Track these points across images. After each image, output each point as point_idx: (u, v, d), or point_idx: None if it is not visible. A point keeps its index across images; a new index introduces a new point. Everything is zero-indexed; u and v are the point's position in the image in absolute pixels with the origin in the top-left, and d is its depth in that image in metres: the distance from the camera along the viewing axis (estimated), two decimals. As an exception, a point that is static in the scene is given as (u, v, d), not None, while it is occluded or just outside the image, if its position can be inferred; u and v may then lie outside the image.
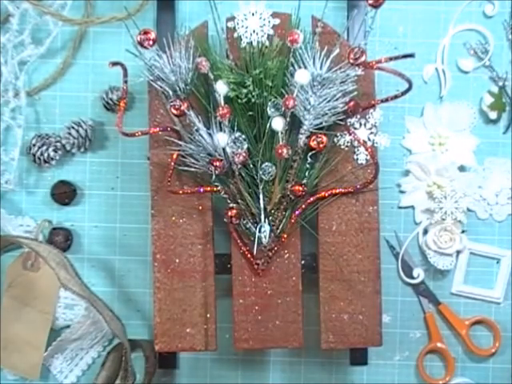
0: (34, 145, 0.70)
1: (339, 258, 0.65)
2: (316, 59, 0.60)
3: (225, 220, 0.63)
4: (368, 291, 0.65)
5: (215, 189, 0.63)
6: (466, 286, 0.73)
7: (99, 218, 0.73)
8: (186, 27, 0.65)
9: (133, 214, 0.73)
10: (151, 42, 0.60)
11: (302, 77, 0.59)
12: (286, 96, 0.60)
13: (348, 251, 0.65)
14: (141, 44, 0.60)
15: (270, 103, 0.61)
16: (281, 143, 0.61)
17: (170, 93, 0.62)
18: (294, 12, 0.63)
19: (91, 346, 0.73)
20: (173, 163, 0.63)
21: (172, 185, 0.64)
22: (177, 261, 0.65)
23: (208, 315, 0.65)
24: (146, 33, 0.60)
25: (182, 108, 0.60)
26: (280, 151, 0.60)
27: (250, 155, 0.62)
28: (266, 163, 0.62)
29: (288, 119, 0.61)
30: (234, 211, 0.62)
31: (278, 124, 0.60)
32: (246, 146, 0.61)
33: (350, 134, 0.64)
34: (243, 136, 0.62)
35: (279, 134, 0.61)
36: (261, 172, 0.62)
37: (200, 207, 0.65)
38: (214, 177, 0.61)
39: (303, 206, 0.64)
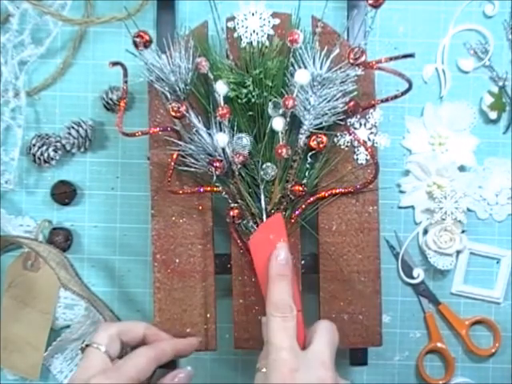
0: (34, 145, 0.70)
1: (339, 258, 0.65)
2: (316, 59, 0.60)
3: (227, 220, 0.63)
4: (368, 291, 0.65)
5: (215, 189, 0.63)
6: (466, 286, 0.73)
7: (99, 218, 0.73)
8: (185, 27, 0.65)
9: (133, 214, 0.73)
10: (147, 44, 0.60)
11: (301, 77, 0.59)
12: (286, 96, 0.60)
13: (348, 251, 0.65)
14: (135, 46, 0.60)
15: (270, 103, 0.61)
16: (280, 143, 0.61)
17: (168, 95, 0.62)
18: (294, 12, 0.63)
19: (91, 346, 0.73)
20: (173, 163, 0.63)
21: (172, 185, 0.64)
22: (177, 261, 0.65)
23: (208, 315, 0.65)
24: (139, 35, 0.60)
25: (181, 110, 0.60)
26: (280, 151, 0.60)
27: (250, 155, 0.62)
28: (267, 163, 0.62)
29: (288, 119, 0.61)
30: (236, 211, 0.62)
31: (278, 124, 0.60)
32: (249, 146, 0.61)
33: (350, 134, 0.64)
34: (247, 137, 0.62)
35: (279, 133, 0.61)
36: (262, 173, 0.62)
37: (200, 207, 0.65)
38: (214, 177, 0.61)
39: (303, 206, 0.64)
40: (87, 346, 0.58)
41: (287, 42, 0.61)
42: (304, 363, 0.53)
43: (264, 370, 0.54)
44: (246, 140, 0.62)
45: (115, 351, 0.59)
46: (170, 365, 0.72)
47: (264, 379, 0.53)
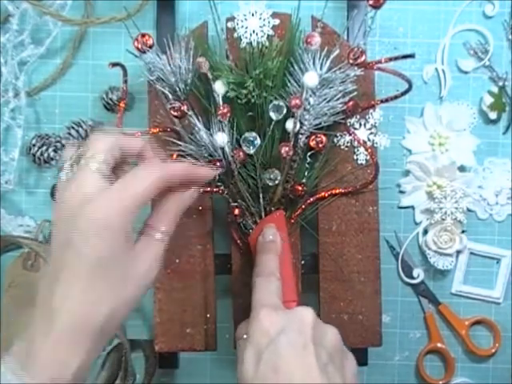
0: (34, 145, 0.70)
1: (339, 258, 0.65)
2: (316, 59, 0.60)
3: (228, 220, 0.63)
4: (368, 291, 0.65)
5: (215, 189, 0.63)
6: (466, 286, 0.73)
7: (99, 218, 0.73)
8: (185, 28, 0.65)
9: (133, 214, 0.72)
10: (148, 48, 0.60)
11: (310, 79, 0.59)
12: (292, 96, 0.60)
13: (348, 251, 0.65)
14: (138, 48, 0.60)
15: (271, 106, 0.61)
16: (283, 142, 0.61)
17: (170, 96, 0.61)
18: (294, 12, 0.63)
19: (91, 346, 0.73)
20: (173, 163, 0.63)
21: (172, 185, 0.64)
22: (177, 261, 0.65)
23: (208, 315, 0.65)
24: (143, 36, 0.60)
25: (182, 109, 0.60)
26: (281, 150, 0.60)
27: (249, 155, 0.62)
28: (273, 169, 0.62)
29: (298, 119, 0.61)
30: (236, 211, 0.62)
31: (290, 125, 0.61)
32: (258, 143, 0.61)
33: (350, 134, 0.64)
34: (254, 134, 0.61)
35: (291, 134, 0.61)
36: (267, 178, 0.62)
37: (200, 207, 0.65)
38: (216, 178, 0.61)
39: (303, 206, 0.64)
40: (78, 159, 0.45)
41: (304, 43, 0.60)
42: (285, 312, 0.51)
43: (245, 336, 0.51)
44: (250, 142, 0.61)
45: (109, 169, 0.47)
46: (170, 364, 0.73)
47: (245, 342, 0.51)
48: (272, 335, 0.48)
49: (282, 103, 0.61)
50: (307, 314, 0.50)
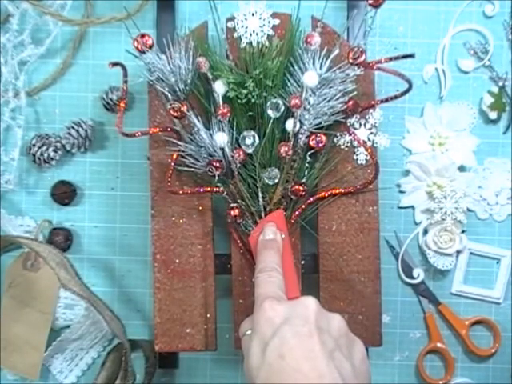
0: (34, 145, 0.70)
1: (339, 258, 0.65)
2: (316, 59, 0.60)
3: (228, 220, 0.63)
4: (368, 291, 0.65)
5: (215, 189, 0.63)
6: (466, 286, 0.73)
7: (99, 218, 0.73)
8: (185, 28, 0.65)
9: (133, 214, 0.73)
10: (148, 48, 0.60)
11: (310, 79, 0.59)
12: (292, 95, 0.60)
13: (348, 251, 0.65)
14: (138, 49, 0.60)
15: (268, 104, 0.61)
16: (282, 142, 0.61)
17: (169, 96, 0.61)
18: (294, 12, 0.63)
19: (91, 346, 0.73)
20: (173, 163, 0.63)
21: (172, 185, 0.64)
22: (177, 261, 0.65)
23: (208, 315, 0.65)
24: (143, 36, 0.60)
25: (182, 109, 0.60)
26: (280, 150, 0.60)
27: (249, 155, 0.62)
28: (272, 168, 0.62)
29: (298, 118, 0.61)
30: (236, 211, 0.62)
31: (289, 125, 0.61)
32: (257, 142, 0.61)
33: (350, 134, 0.64)
34: (252, 133, 0.61)
35: (291, 133, 0.61)
36: (266, 176, 0.62)
37: (200, 207, 0.65)
38: (216, 178, 0.61)
39: (303, 206, 0.64)
40: None
41: (304, 43, 0.60)
42: (288, 302, 0.51)
43: (249, 332, 0.52)
44: (248, 140, 0.61)
45: None
46: (170, 364, 0.73)
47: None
48: (276, 324, 0.48)
49: (279, 101, 0.61)
50: (311, 302, 0.50)
